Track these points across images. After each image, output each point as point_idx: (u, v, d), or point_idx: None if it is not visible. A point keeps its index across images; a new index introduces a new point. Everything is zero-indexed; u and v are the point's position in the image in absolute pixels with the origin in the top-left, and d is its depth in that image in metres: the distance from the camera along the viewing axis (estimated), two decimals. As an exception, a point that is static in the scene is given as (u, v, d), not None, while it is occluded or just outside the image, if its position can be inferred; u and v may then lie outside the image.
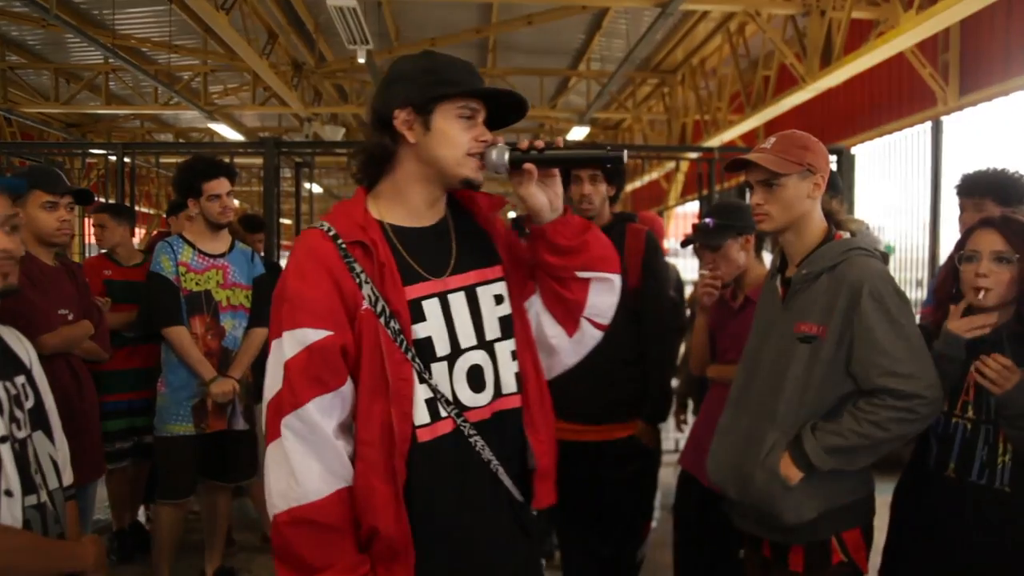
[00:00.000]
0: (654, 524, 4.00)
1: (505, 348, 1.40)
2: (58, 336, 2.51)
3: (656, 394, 2.68)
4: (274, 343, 1.28)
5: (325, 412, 1.25)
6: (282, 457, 1.24)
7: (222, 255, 3.09)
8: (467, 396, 1.34)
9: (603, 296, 1.47)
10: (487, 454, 1.34)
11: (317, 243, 1.31)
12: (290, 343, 1.26)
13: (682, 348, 3.49)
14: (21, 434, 1.41)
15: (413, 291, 1.33)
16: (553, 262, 1.41)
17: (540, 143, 1.35)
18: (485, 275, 1.41)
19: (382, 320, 1.28)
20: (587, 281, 1.44)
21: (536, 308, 1.49)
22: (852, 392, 1.73)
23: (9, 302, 2.36)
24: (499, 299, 1.41)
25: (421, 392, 1.30)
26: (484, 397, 1.36)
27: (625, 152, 1.41)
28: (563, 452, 2.92)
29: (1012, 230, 1.73)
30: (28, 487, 1.39)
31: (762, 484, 1.74)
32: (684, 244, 2.69)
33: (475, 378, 1.36)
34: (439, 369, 1.32)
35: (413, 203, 1.38)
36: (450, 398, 1.32)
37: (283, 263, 4.94)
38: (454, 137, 1.33)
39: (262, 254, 4.07)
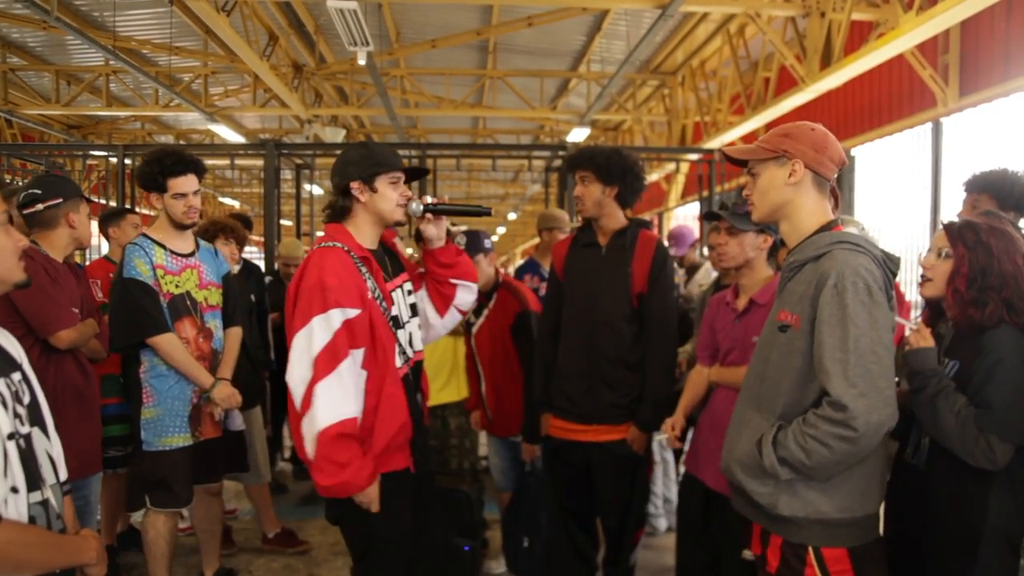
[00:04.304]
0: (665, 526, 4.01)
1: (415, 322, 2.29)
2: (76, 331, 2.63)
3: (650, 399, 2.69)
4: (321, 316, 1.96)
5: (356, 361, 2.01)
6: (338, 386, 1.94)
7: (192, 254, 2.91)
8: (409, 350, 2.21)
9: (465, 294, 2.36)
10: (413, 385, 2.20)
11: (341, 255, 2.05)
12: (337, 316, 1.97)
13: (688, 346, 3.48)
14: (24, 429, 1.43)
15: (388, 286, 2.16)
16: (437, 271, 2.31)
17: (434, 200, 2.22)
18: (404, 278, 2.28)
19: (379, 303, 2.09)
20: (455, 285, 2.33)
21: (422, 298, 2.35)
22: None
23: (35, 298, 2.49)
24: (409, 292, 2.29)
25: (396, 348, 2.13)
26: (412, 351, 2.24)
27: (491, 209, 2.28)
28: (556, 449, 2.96)
29: (956, 229, 1.89)
30: (32, 484, 1.41)
31: (736, 463, 1.74)
32: (707, 218, 2.68)
33: (412, 340, 2.24)
34: (402, 333, 2.18)
35: (369, 236, 2.18)
36: (406, 350, 2.18)
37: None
38: (390, 196, 2.14)
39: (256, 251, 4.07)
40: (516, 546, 3.46)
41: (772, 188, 1.74)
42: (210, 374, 2.83)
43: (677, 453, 4.07)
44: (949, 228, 1.91)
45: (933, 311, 2.01)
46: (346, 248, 2.07)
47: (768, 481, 1.67)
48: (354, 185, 2.11)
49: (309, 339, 1.94)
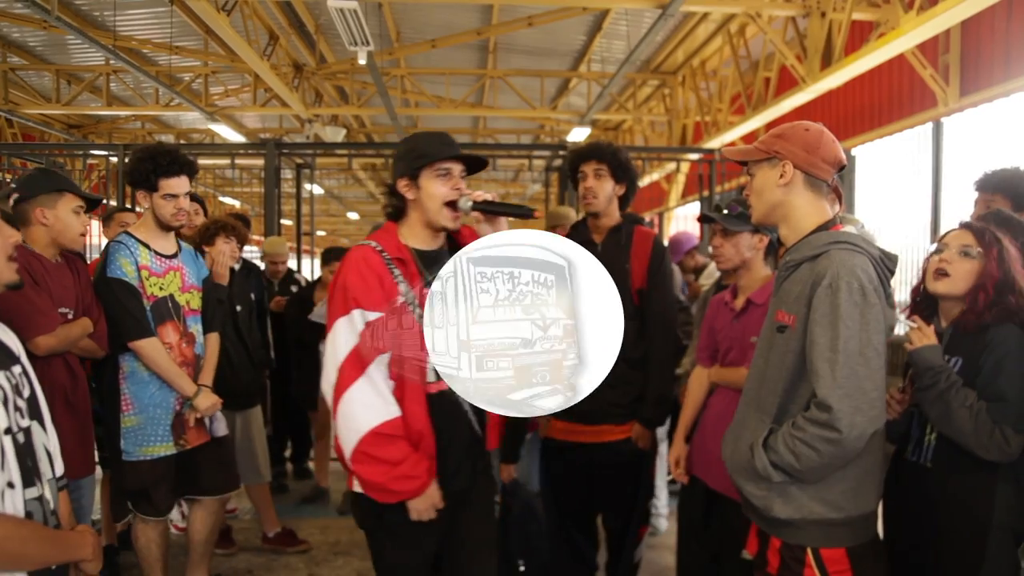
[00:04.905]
0: (665, 526, 4.01)
1: None
2: (54, 338, 2.46)
3: (654, 396, 2.68)
4: (344, 318, 1.85)
5: (383, 363, 1.87)
6: (371, 388, 1.83)
7: (175, 255, 2.80)
8: None
9: None
10: (465, 405, 1.94)
11: (369, 254, 1.91)
12: (359, 318, 1.85)
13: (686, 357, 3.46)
14: (24, 423, 1.43)
15: (428, 292, 1.89)
16: None
17: (486, 196, 1.97)
18: None
19: (412, 309, 1.88)
20: None
21: None
22: None
23: (11, 300, 2.38)
24: None
25: (431, 361, 1.87)
26: None
27: (534, 211, 2.09)
28: (558, 450, 2.90)
29: (983, 231, 1.87)
30: (29, 479, 1.40)
31: (734, 465, 1.76)
32: (702, 220, 2.69)
33: None
34: None
35: (421, 236, 1.98)
36: None
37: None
38: (434, 192, 1.91)
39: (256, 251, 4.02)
40: (510, 571, 3.33)
41: (766, 189, 1.74)
42: (192, 381, 2.74)
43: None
44: (977, 229, 1.89)
45: (928, 309, 1.99)
46: (379, 247, 1.92)
47: (762, 484, 1.67)
48: (401, 183, 1.95)
49: (334, 342, 1.86)
